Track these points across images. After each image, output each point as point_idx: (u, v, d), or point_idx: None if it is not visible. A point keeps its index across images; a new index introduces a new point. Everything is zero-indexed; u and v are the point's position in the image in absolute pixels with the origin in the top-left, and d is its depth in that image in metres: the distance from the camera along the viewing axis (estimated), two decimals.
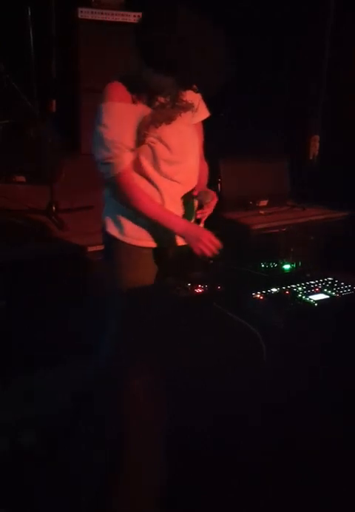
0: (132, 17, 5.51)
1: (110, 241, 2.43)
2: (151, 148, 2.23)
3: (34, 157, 4.71)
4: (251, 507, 1.70)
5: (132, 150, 2.20)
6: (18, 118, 4.91)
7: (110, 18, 5.50)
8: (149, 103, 2.22)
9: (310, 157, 4.95)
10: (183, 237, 2.29)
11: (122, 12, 5.53)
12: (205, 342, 1.78)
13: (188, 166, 2.34)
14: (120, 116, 2.15)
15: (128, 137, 2.17)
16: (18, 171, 4.76)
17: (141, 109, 2.20)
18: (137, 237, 2.36)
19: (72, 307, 3.28)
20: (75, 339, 2.90)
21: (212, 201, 2.40)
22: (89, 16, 5.46)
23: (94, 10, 5.47)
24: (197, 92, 2.31)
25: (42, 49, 4.63)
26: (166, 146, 2.24)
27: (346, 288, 2.07)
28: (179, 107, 2.28)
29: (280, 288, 2.05)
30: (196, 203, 2.41)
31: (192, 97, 2.34)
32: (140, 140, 2.20)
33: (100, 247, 3.72)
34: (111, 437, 1.70)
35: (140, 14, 5.38)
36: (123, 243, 2.37)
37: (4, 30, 5.11)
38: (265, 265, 2.26)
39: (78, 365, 2.79)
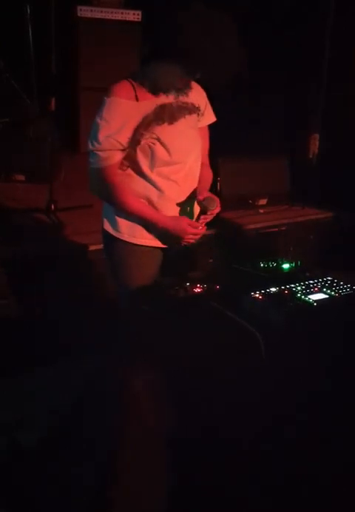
0: (132, 15, 5.52)
1: (107, 238, 2.44)
2: (150, 148, 2.23)
3: (33, 156, 4.71)
4: (251, 507, 1.70)
5: (124, 149, 2.21)
6: (18, 117, 4.92)
7: (109, 16, 5.50)
8: (154, 101, 2.21)
9: (310, 156, 4.94)
10: (166, 231, 2.30)
11: (121, 10, 5.53)
12: (204, 341, 1.78)
13: (186, 167, 2.33)
14: (120, 113, 2.16)
15: (124, 136, 2.17)
16: (18, 169, 4.76)
17: (144, 108, 2.19)
18: (132, 234, 2.36)
19: (73, 306, 3.29)
20: (75, 338, 2.91)
21: (215, 210, 2.35)
22: (89, 14, 5.45)
23: (93, 8, 5.46)
24: (203, 86, 2.31)
25: (41, 47, 4.63)
26: (165, 147, 2.23)
27: (345, 288, 2.07)
28: (184, 108, 2.27)
29: (279, 287, 2.05)
30: (196, 207, 2.39)
31: (199, 100, 2.34)
32: (137, 139, 2.20)
33: (100, 246, 3.75)
34: (111, 437, 1.70)
35: (139, 12, 5.45)
36: (118, 240, 2.39)
37: (3, 28, 5.11)
38: (264, 265, 2.25)
39: (79, 364, 2.79)
